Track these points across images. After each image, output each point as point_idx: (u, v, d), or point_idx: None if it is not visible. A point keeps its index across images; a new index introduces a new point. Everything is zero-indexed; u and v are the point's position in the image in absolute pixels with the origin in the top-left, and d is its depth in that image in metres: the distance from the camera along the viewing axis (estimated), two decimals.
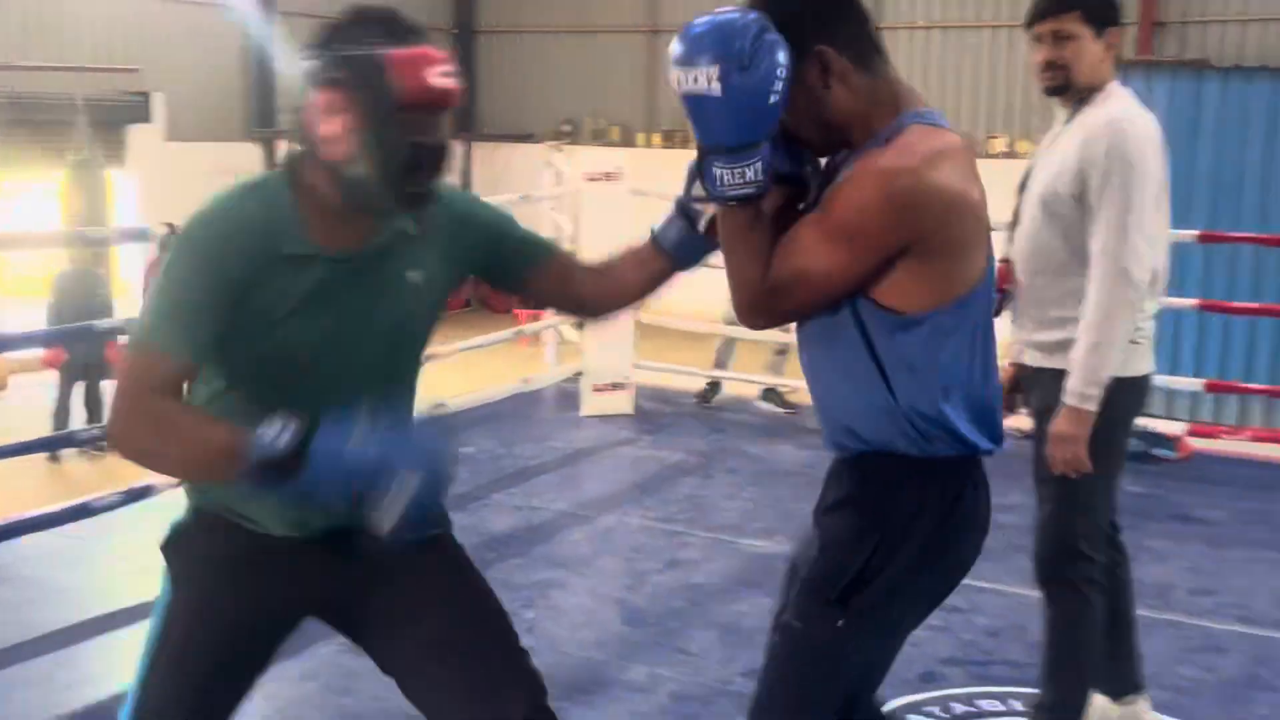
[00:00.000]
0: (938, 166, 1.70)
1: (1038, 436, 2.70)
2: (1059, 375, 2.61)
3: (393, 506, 1.59)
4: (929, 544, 1.82)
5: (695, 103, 1.68)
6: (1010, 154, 12.44)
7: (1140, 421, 3.07)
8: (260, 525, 1.83)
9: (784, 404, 6.56)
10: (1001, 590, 3.97)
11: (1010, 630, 3.66)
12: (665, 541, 4.43)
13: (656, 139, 15.09)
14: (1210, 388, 4.80)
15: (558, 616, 3.72)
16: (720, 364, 6.72)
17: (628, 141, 15.22)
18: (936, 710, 3.15)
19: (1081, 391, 2.56)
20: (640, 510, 4.84)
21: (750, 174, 1.68)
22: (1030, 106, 12.36)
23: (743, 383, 6.66)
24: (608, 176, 6.05)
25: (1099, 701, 2.91)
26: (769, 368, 6.59)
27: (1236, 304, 6.77)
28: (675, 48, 1.69)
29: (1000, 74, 13.45)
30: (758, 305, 1.78)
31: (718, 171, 1.69)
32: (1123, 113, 2.60)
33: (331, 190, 1.73)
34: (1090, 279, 2.57)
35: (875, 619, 1.84)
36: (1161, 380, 3.91)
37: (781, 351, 6.56)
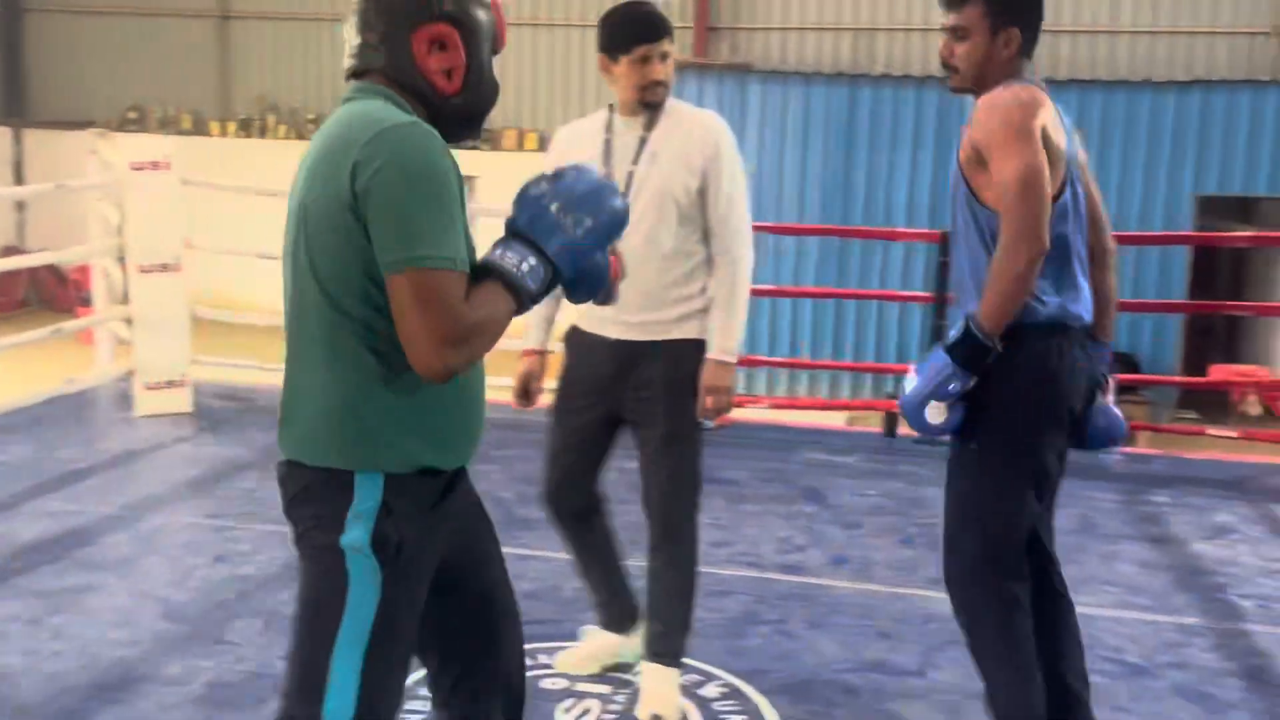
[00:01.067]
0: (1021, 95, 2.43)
1: (668, 397, 3.01)
2: (687, 343, 2.99)
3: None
4: (1019, 392, 2.44)
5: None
6: None
7: None
8: (446, 459, 1.86)
9: None
10: (544, 556, 4.24)
11: (546, 591, 3.92)
12: (215, 537, 4.36)
13: (232, 127, 14.53)
14: (742, 362, 5.31)
15: (90, 619, 3.58)
16: None
17: (201, 130, 14.55)
18: None
19: (728, 348, 2.98)
20: (191, 508, 4.73)
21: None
22: (596, 102, 12.98)
23: None
24: (155, 165, 5.79)
25: (610, 637, 3.31)
26: None
27: (764, 286, 7.46)
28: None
29: (573, 69, 14.05)
30: (1021, 241, 2.35)
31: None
32: (714, 117, 3.01)
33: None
34: (717, 259, 2.96)
35: (995, 447, 2.47)
36: None
37: None
